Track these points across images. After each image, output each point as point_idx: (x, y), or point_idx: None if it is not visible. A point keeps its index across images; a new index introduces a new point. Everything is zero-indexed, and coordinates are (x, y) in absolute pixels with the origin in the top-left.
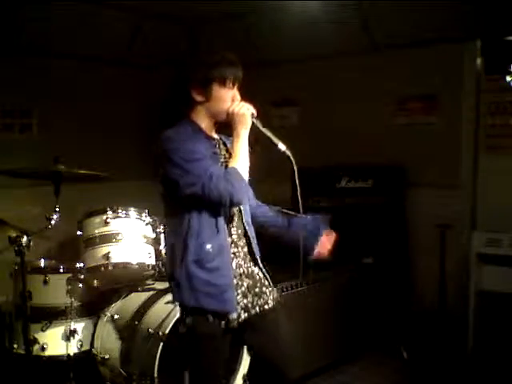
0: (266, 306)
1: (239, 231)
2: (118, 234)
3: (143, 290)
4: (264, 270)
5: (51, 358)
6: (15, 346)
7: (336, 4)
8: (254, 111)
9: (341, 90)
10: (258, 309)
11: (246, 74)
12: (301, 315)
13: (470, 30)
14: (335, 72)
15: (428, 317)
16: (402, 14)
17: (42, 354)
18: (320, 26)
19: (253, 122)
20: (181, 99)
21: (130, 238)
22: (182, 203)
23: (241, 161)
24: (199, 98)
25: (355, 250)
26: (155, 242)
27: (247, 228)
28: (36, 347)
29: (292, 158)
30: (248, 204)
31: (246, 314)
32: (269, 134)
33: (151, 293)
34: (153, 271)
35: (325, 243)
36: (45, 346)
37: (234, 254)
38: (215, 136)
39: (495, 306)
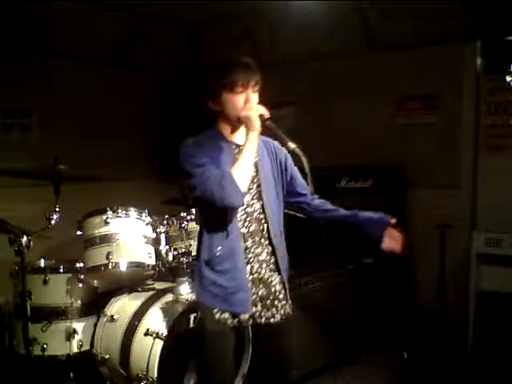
0: (271, 320)
1: (258, 239)
2: (118, 233)
3: (143, 290)
4: (285, 283)
5: (51, 357)
6: (15, 346)
7: (336, 4)
8: (265, 112)
9: (341, 90)
10: (263, 320)
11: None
12: (301, 315)
13: (470, 30)
14: (335, 72)
15: (428, 317)
16: (402, 14)
17: (42, 353)
18: (320, 26)
19: (264, 124)
20: (205, 111)
21: (130, 237)
22: (198, 206)
23: (241, 165)
24: (215, 108)
25: (355, 249)
26: (155, 242)
27: (272, 238)
28: (36, 347)
29: (303, 156)
30: (275, 215)
31: (251, 321)
32: (281, 134)
33: (151, 293)
34: (153, 271)
35: (395, 236)
36: (45, 346)
37: (247, 259)
38: (238, 142)
39: (495, 306)
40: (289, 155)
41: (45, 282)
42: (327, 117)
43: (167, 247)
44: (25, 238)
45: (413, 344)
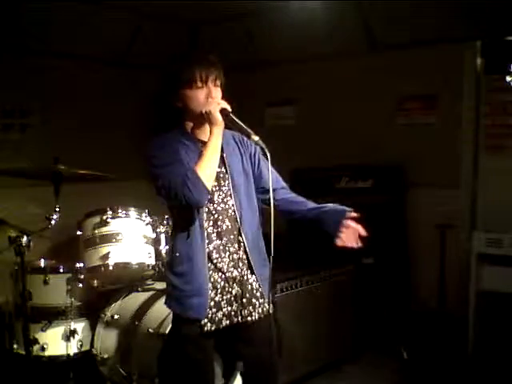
0: (249, 318)
1: (232, 237)
2: (117, 233)
3: (143, 290)
4: (260, 280)
5: (51, 357)
6: (15, 346)
7: (336, 4)
8: (227, 106)
9: (341, 90)
10: (240, 318)
11: (246, 74)
12: (301, 315)
13: (470, 30)
14: (335, 72)
15: (428, 317)
16: (402, 13)
17: (42, 354)
18: (320, 26)
19: (227, 117)
20: (169, 109)
21: (130, 237)
22: (167, 206)
23: (205, 162)
24: (178, 104)
25: (355, 249)
26: (155, 242)
27: (244, 235)
28: (36, 347)
29: (266, 148)
30: (248, 211)
31: (228, 322)
32: (243, 126)
33: (151, 293)
34: (153, 271)
35: (352, 231)
36: (45, 346)
37: (217, 259)
38: (204, 138)
39: (495, 306)
40: (258, 149)
41: (45, 282)
42: (327, 117)
43: (167, 247)
44: (25, 238)
45: (413, 344)
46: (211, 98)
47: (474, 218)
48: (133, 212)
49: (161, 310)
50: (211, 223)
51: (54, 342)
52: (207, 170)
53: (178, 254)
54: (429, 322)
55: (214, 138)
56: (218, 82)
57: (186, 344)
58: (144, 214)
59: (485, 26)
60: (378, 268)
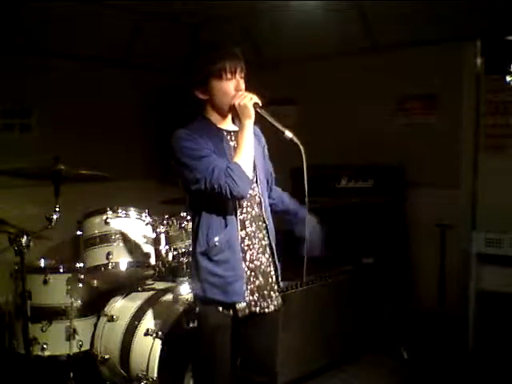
0: (266, 310)
1: (259, 223)
2: (118, 233)
3: (143, 290)
4: (279, 270)
5: (51, 357)
6: (15, 346)
7: (336, 4)
8: (258, 101)
9: (341, 90)
10: (258, 309)
11: (246, 74)
12: (301, 315)
13: (470, 30)
14: (335, 72)
15: (428, 317)
16: (402, 13)
17: (42, 353)
18: (320, 26)
19: (258, 112)
20: (191, 101)
21: (130, 238)
22: (194, 197)
23: (244, 154)
24: (203, 96)
25: (355, 249)
26: (155, 242)
27: (267, 222)
28: (36, 347)
29: (300, 145)
30: (267, 198)
31: (247, 311)
32: (275, 122)
33: (151, 293)
34: (153, 271)
35: (315, 240)
36: (45, 346)
37: (248, 246)
38: (228, 128)
39: (495, 305)
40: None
41: (45, 282)
42: (327, 117)
43: (167, 247)
44: (25, 238)
45: (413, 344)
46: (240, 89)
47: (474, 218)
48: (133, 212)
49: (161, 310)
50: (244, 210)
51: (54, 341)
52: (246, 162)
53: (218, 244)
54: (429, 322)
55: (247, 130)
56: (243, 75)
57: (218, 329)
58: (144, 214)
59: (485, 26)
60: (378, 268)
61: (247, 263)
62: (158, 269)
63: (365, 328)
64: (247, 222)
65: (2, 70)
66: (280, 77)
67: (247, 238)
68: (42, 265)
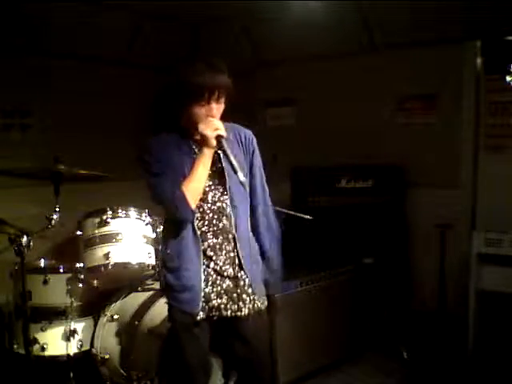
0: (238, 313)
1: (228, 235)
2: (117, 233)
3: (143, 290)
4: (250, 277)
5: (51, 357)
6: (15, 346)
7: (336, 4)
8: (223, 133)
9: (341, 90)
10: (229, 313)
11: (246, 74)
12: (301, 315)
13: (470, 30)
14: (335, 72)
15: (428, 317)
16: (401, 13)
17: (42, 354)
18: (320, 26)
19: (220, 143)
20: (168, 113)
21: (130, 238)
22: None
23: (194, 181)
24: (178, 107)
25: (355, 249)
26: (155, 242)
27: (236, 233)
28: (36, 347)
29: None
30: (242, 208)
31: (218, 314)
32: (234, 160)
33: (151, 293)
34: (153, 271)
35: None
36: (45, 346)
37: (210, 257)
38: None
39: (495, 305)
40: (257, 152)
41: (45, 281)
42: (327, 117)
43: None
44: (25, 238)
45: (413, 344)
46: (211, 115)
47: (474, 218)
48: (133, 212)
49: (161, 310)
50: (206, 222)
51: (54, 341)
52: (194, 189)
53: (168, 252)
54: (429, 322)
55: (204, 157)
56: (222, 100)
57: (181, 332)
58: (144, 214)
59: (485, 26)
60: (378, 268)
61: (214, 268)
62: (157, 269)
63: (365, 328)
64: (209, 234)
65: (2, 69)
66: (279, 77)
67: (209, 249)
68: (42, 265)
